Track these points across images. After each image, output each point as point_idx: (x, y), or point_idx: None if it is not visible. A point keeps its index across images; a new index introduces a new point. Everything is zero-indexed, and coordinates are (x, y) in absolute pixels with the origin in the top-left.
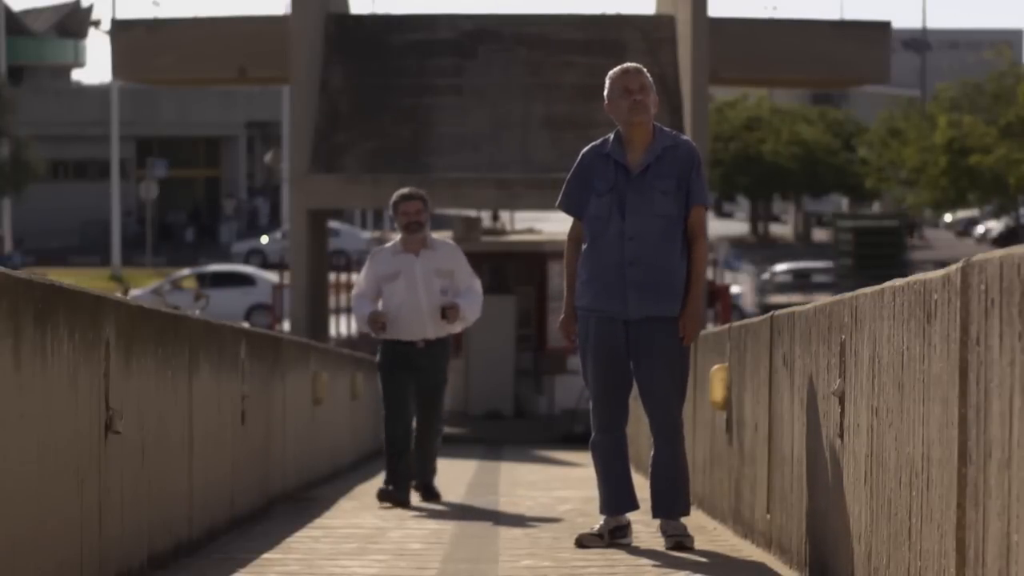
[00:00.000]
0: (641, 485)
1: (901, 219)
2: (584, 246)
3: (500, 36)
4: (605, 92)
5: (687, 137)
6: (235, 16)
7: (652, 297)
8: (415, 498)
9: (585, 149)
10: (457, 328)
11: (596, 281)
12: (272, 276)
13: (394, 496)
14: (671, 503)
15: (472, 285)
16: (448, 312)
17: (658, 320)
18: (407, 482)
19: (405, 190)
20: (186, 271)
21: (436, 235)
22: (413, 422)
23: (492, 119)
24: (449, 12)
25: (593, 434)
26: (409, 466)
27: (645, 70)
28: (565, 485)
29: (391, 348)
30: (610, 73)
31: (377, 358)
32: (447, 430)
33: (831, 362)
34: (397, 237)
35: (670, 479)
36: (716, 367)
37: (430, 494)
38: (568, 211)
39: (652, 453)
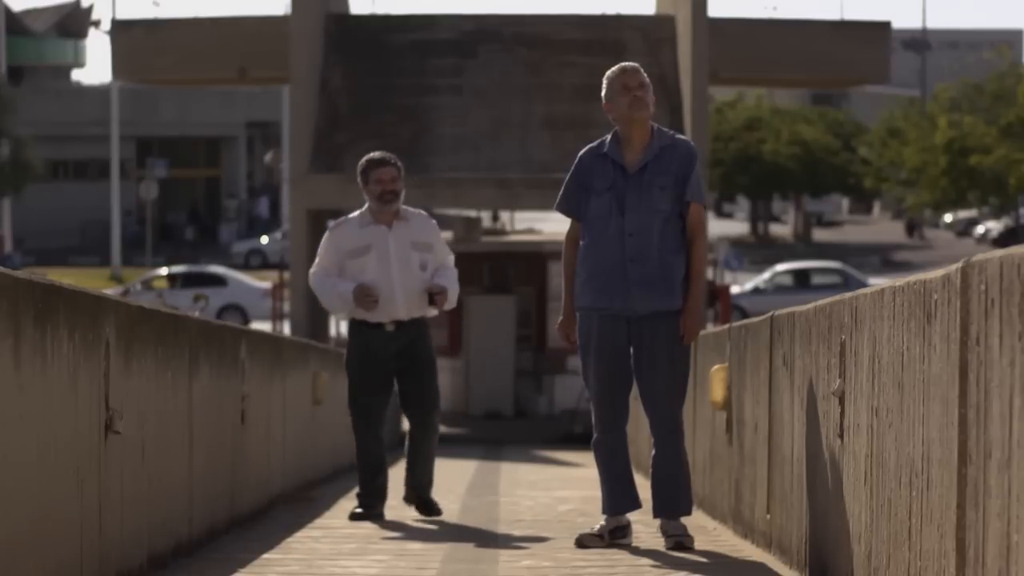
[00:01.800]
0: (642, 485)
1: None
2: (583, 245)
3: (500, 36)
4: (603, 92)
5: (685, 137)
6: (235, 16)
7: (653, 292)
8: (394, 510)
9: (582, 151)
10: (434, 312)
11: (597, 279)
12: (244, 277)
13: (367, 517)
14: (672, 503)
15: (447, 262)
16: (437, 297)
17: (660, 317)
18: (382, 500)
19: (376, 154)
20: (157, 271)
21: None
22: (390, 426)
23: (492, 119)
24: (449, 12)
25: (595, 434)
26: (386, 482)
27: (642, 69)
28: (565, 485)
29: (359, 336)
30: (608, 73)
31: (346, 351)
32: (445, 430)
33: (831, 362)
34: (360, 209)
35: (671, 479)
36: (716, 367)
37: (429, 509)
38: (567, 213)
39: (653, 453)
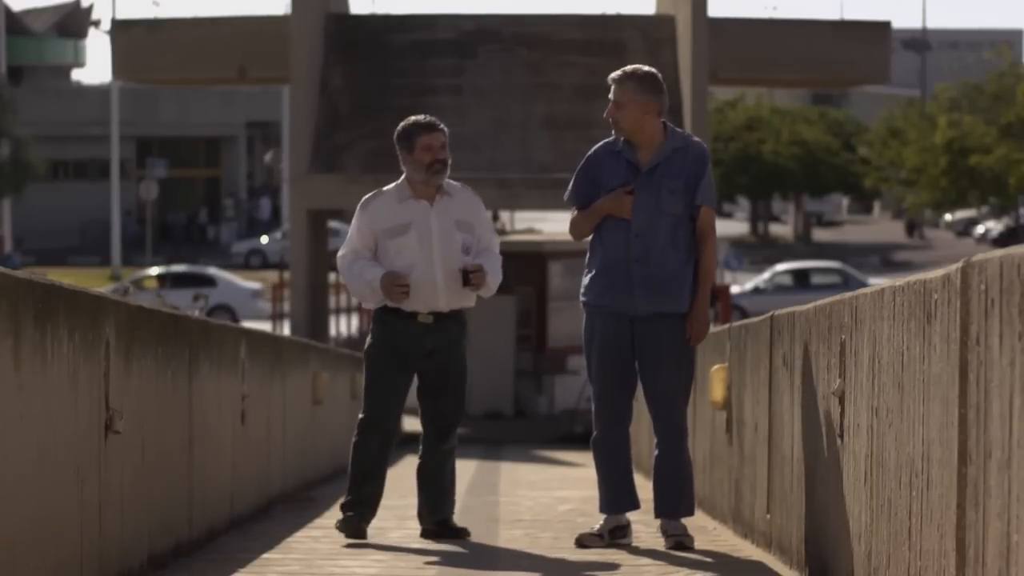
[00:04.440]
0: (642, 485)
1: None
2: (591, 241)
3: (500, 36)
4: (611, 94)
5: (698, 139)
6: (235, 16)
7: (657, 294)
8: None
9: (596, 146)
10: (471, 301)
11: (602, 277)
12: (233, 277)
13: (355, 527)
14: (675, 504)
15: (492, 245)
16: (473, 276)
17: (664, 318)
18: (373, 510)
19: (421, 118)
20: (147, 271)
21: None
22: (401, 431)
23: (492, 119)
24: (449, 12)
25: (595, 432)
26: (380, 492)
27: (639, 74)
28: (565, 485)
29: (387, 327)
30: (614, 75)
31: (368, 340)
32: None
33: (831, 362)
34: (396, 181)
35: (674, 479)
36: (716, 367)
37: (451, 532)
38: (578, 206)
39: (655, 453)
